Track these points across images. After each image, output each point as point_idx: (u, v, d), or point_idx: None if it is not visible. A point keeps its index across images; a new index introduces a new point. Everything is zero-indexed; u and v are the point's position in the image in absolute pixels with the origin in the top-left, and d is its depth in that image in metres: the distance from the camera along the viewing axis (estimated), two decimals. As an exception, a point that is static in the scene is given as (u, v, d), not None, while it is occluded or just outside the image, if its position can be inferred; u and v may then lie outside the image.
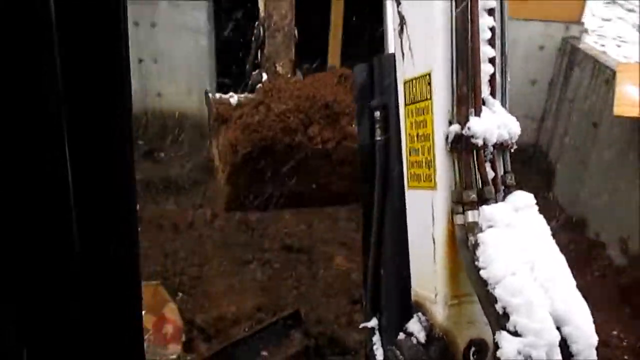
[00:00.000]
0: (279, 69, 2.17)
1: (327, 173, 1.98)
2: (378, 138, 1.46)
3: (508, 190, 1.36)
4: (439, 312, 1.40)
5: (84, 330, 1.35)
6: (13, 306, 1.19)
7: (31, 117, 1.11)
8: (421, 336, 1.41)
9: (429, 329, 1.41)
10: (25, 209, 1.16)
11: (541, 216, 1.34)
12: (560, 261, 1.29)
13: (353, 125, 1.91)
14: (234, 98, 2.13)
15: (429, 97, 1.37)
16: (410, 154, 1.46)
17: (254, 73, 2.21)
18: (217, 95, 2.15)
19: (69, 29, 1.09)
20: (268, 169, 1.90)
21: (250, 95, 2.09)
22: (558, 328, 1.20)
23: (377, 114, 1.46)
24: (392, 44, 1.48)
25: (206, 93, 2.16)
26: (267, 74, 2.16)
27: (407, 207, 1.48)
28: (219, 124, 1.99)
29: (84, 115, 1.20)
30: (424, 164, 1.41)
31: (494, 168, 1.35)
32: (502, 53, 1.35)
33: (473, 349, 1.41)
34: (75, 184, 1.22)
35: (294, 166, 1.90)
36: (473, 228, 1.27)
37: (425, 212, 1.41)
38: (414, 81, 1.43)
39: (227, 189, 2.03)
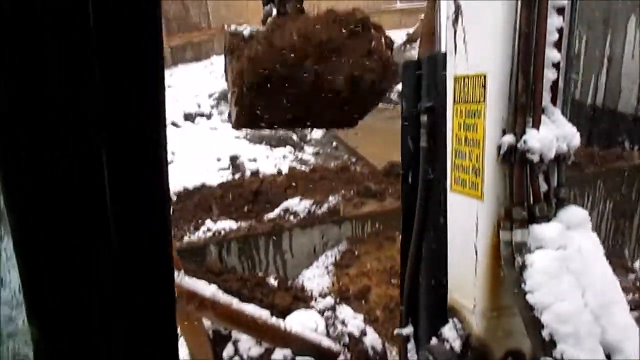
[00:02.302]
0: (288, 7, 2.32)
1: (320, 101, 2.23)
2: (423, 144, 1.36)
3: (561, 205, 1.27)
4: (477, 324, 1.35)
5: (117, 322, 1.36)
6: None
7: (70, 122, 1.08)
8: (456, 344, 1.38)
9: (465, 338, 1.38)
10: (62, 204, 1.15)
11: (594, 234, 1.26)
12: (613, 284, 1.22)
13: (340, 58, 2.15)
14: (247, 30, 2.32)
15: (482, 100, 1.26)
16: (456, 156, 1.37)
17: (265, 7, 2.31)
18: (233, 27, 2.37)
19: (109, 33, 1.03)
20: (270, 96, 2.19)
21: (261, 29, 2.31)
22: (608, 356, 1.15)
23: (424, 118, 1.35)
24: (444, 38, 1.35)
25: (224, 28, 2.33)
26: (277, 9, 2.33)
27: (448, 209, 1.41)
28: (231, 54, 2.26)
29: (118, 109, 1.15)
30: (470, 171, 1.32)
31: (547, 180, 1.26)
32: (568, 57, 1.22)
33: (509, 358, 1.38)
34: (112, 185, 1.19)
35: (292, 94, 2.19)
36: (521, 248, 1.20)
37: (469, 220, 1.33)
38: (466, 79, 1.31)
39: (237, 109, 2.31)
